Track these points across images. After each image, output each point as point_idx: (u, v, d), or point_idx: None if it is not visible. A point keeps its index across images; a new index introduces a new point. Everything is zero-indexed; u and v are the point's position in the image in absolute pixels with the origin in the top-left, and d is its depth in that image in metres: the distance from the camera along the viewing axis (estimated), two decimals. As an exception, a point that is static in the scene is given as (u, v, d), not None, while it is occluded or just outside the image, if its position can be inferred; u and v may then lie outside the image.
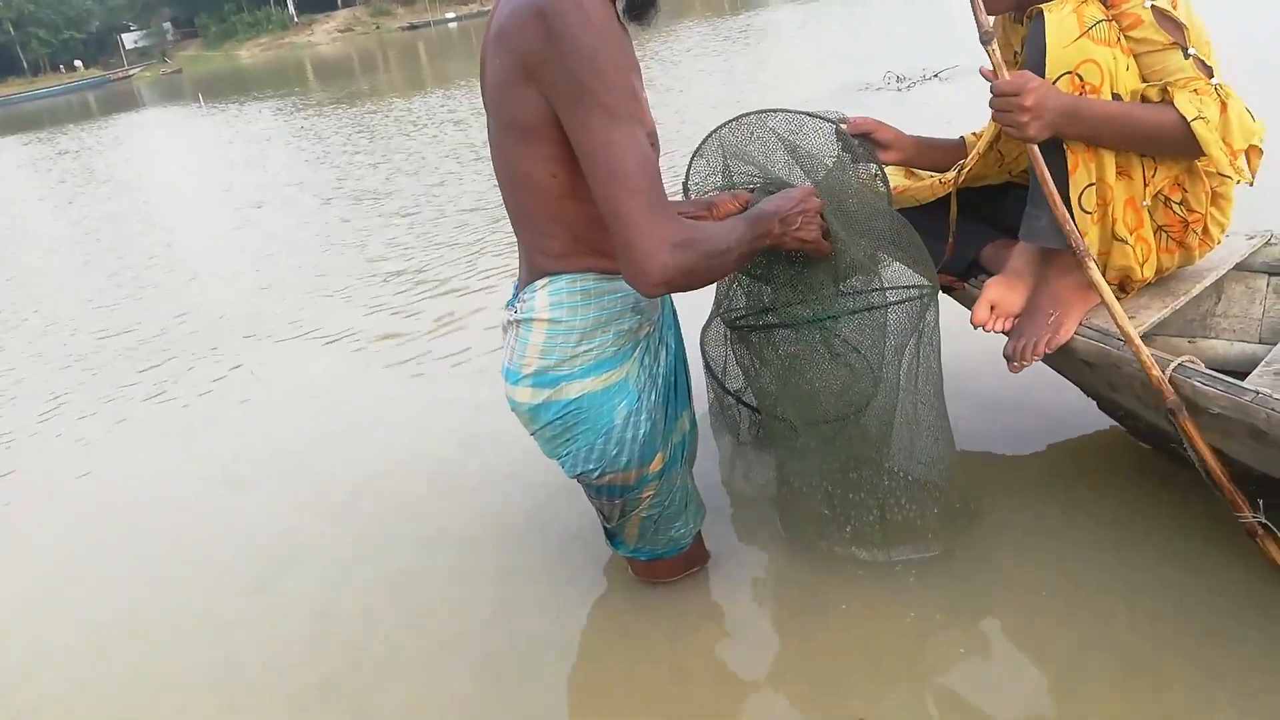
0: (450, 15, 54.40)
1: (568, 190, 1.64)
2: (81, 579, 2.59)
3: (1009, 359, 1.85)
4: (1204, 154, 1.66)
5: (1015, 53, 2.00)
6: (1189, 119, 1.62)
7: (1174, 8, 1.65)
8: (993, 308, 1.90)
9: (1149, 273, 1.81)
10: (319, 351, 4.08)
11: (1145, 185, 1.71)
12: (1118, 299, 1.90)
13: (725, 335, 2.38)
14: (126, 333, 4.85)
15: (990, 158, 2.00)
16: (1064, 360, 1.97)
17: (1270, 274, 2.07)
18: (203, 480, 3.03)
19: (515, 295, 1.82)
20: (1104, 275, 1.82)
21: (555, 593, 2.15)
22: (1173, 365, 1.63)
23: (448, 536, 2.46)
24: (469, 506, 2.56)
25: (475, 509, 2.55)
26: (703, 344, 2.56)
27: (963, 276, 2.11)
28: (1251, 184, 1.77)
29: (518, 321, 1.77)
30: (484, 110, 1.75)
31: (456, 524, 2.50)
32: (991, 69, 1.69)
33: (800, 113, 2.07)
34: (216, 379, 3.93)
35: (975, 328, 1.92)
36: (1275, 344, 1.97)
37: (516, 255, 1.88)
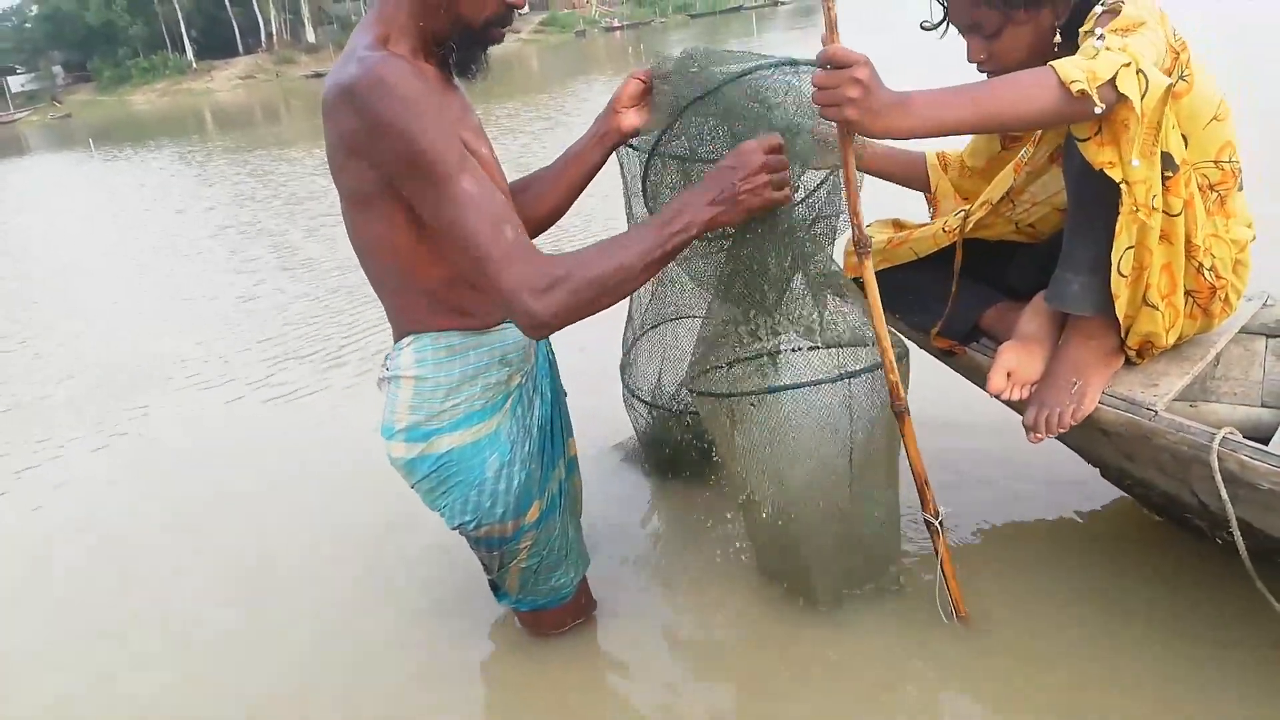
0: (356, 65, 53.43)
1: (417, 255, 1.64)
2: None
3: (1030, 430, 1.74)
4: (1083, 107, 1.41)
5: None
6: (1069, 80, 1.40)
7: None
8: (1009, 375, 1.79)
9: (1171, 339, 1.72)
10: (209, 407, 3.89)
11: (1187, 251, 1.61)
12: (1132, 365, 1.82)
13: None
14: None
15: (1001, 207, 1.88)
16: (1078, 429, 1.87)
17: (1269, 336, 2.01)
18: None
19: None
20: (1125, 340, 1.73)
21: (441, 650, 2.11)
22: (1218, 437, 1.53)
23: (317, 590, 2.41)
24: (343, 559, 2.52)
25: (347, 556, 2.52)
26: (622, 371, 2.56)
27: (963, 341, 2.00)
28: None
29: (388, 379, 1.77)
30: None
31: (329, 576, 2.46)
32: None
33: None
34: (103, 436, 3.66)
35: (992, 396, 1.80)
36: (1281, 408, 1.91)
37: None
